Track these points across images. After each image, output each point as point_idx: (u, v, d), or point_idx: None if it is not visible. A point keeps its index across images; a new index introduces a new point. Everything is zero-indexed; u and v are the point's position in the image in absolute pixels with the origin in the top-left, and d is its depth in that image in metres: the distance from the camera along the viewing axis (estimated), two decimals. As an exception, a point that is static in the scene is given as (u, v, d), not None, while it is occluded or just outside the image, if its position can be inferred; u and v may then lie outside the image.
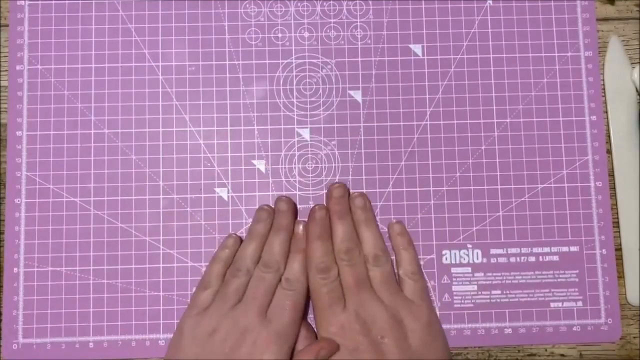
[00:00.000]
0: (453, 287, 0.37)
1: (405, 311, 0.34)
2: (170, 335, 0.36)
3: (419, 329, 0.33)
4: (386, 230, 0.38)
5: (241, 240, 0.37)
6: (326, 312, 0.34)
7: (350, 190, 0.38)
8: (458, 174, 0.38)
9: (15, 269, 0.37)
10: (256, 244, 0.36)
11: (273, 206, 0.37)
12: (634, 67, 0.39)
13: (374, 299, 0.34)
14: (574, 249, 0.38)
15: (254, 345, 0.32)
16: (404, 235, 0.37)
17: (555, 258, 0.37)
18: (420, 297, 0.35)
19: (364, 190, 0.38)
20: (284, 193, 0.38)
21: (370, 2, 0.39)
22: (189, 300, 0.37)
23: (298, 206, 0.38)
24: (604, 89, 0.39)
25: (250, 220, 0.37)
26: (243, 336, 0.32)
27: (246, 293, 0.34)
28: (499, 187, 0.38)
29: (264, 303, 0.34)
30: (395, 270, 0.37)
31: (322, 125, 0.38)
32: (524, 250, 0.38)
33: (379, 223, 0.37)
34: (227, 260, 0.36)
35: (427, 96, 0.38)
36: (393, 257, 0.37)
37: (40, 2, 0.39)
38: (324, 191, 0.38)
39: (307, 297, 0.35)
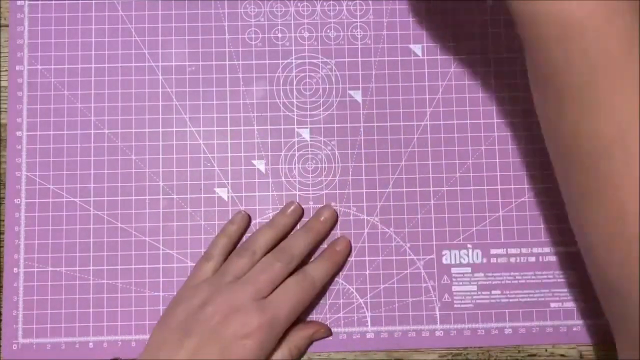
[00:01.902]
0: (453, 287, 0.37)
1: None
2: (170, 335, 0.37)
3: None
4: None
5: (249, 218, 0.37)
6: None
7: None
8: (458, 174, 0.38)
9: (15, 269, 0.37)
10: (273, 233, 0.35)
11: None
12: (634, 67, 0.39)
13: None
14: (573, 249, 0.38)
15: (242, 326, 0.31)
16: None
17: (555, 258, 0.37)
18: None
19: (364, 191, 0.38)
20: (283, 193, 0.38)
21: (370, 2, 0.39)
22: (189, 301, 0.37)
23: (298, 206, 0.38)
24: (604, 89, 0.39)
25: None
26: (233, 314, 0.31)
27: (248, 273, 0.33)
28: (499, 187, 0.38)
29: (263, 289, 0.33)
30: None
31: (322, 126, 0.38)
32: (524, 250, 0.38)
33: (378, 223, 0.38)
34: (232, 235, 0.36)
35: (427, 96, 0.38)
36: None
37: (40, 2, 0.39)
38: (324, 191, 0.38)
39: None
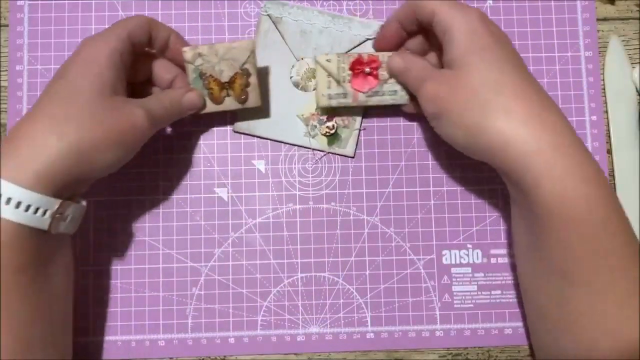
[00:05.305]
0: (453, 287, 0.37)
1: None
2: (170, 335, 0.37)
3: None
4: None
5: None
6: None
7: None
8: (458, 174, 0.38)
9: (15, 269, 0.37)
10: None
11: None
12: (634, 67, 0.39)
13: None
14: (574, 249, 0.37)
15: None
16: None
17: (555, 258, 0.37)
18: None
19: (364, 191, 0.38)
20: (283, 193, 0.38)
21: (370, 2, 0.39)
22: (188, 300, 0.37)
23: (297, 206, 0.38)
24: (604, 89, 0.39)
25: (250, 220, 0.37)
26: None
27: None
28: (498, 187, 0.38)
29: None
30: None
31: (322, 125, 0.38)
32: (524, 250, 0.37)
33: (378, 223, 0.38)
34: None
35: (427, 96, 0.38)
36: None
37: (40, 2, 0.39)
38: (324, 191, 0.38)
39: None
